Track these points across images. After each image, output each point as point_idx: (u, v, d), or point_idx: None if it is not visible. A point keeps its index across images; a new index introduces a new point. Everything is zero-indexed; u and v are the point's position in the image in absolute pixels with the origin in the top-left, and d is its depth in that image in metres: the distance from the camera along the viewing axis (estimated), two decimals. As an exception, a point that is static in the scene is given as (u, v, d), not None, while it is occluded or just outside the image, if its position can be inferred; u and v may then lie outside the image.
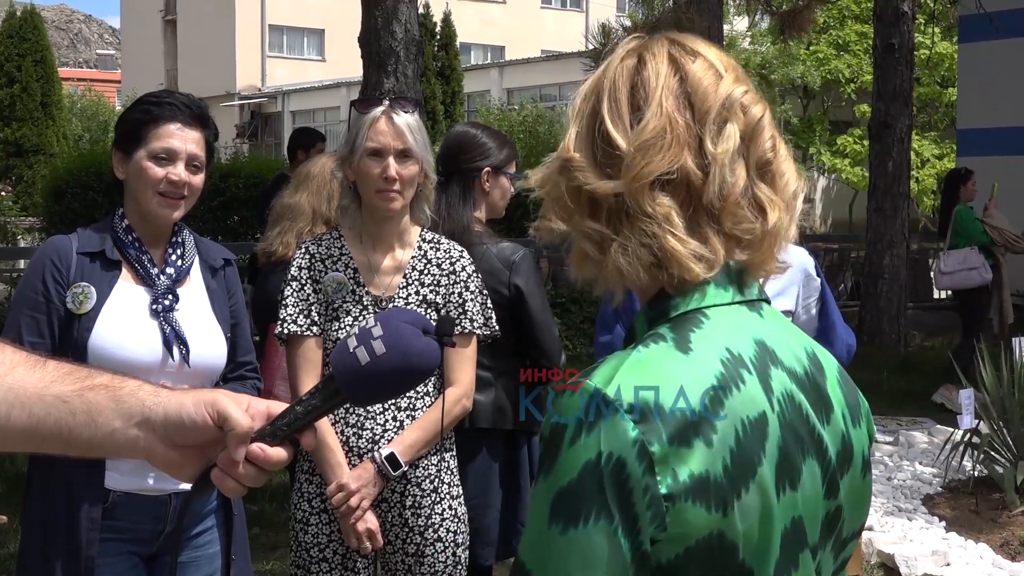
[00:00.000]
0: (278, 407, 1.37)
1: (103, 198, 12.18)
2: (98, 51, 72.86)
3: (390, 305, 3.18)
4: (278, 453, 1.35)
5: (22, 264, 11.85)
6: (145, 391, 1.39)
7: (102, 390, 1.39)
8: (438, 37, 31.71)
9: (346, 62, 39.54)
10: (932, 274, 10.29)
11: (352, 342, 1.37)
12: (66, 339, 2.80)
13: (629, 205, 1.33)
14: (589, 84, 1.42)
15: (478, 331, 3.26)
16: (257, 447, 1.34)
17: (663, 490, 1.22)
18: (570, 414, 1.25)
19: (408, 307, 3.18)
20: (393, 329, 1.37)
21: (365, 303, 3.18)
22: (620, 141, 1.35)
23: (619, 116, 1.37)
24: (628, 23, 12.85)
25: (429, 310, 3.20)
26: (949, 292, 15.75)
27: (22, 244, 17.04)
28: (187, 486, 2.97)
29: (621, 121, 1.36)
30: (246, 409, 1.35)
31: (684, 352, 1.30)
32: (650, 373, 1.27)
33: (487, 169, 3.76)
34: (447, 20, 32.24)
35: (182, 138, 2.89)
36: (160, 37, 47.50)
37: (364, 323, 1.37)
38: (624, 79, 1.39)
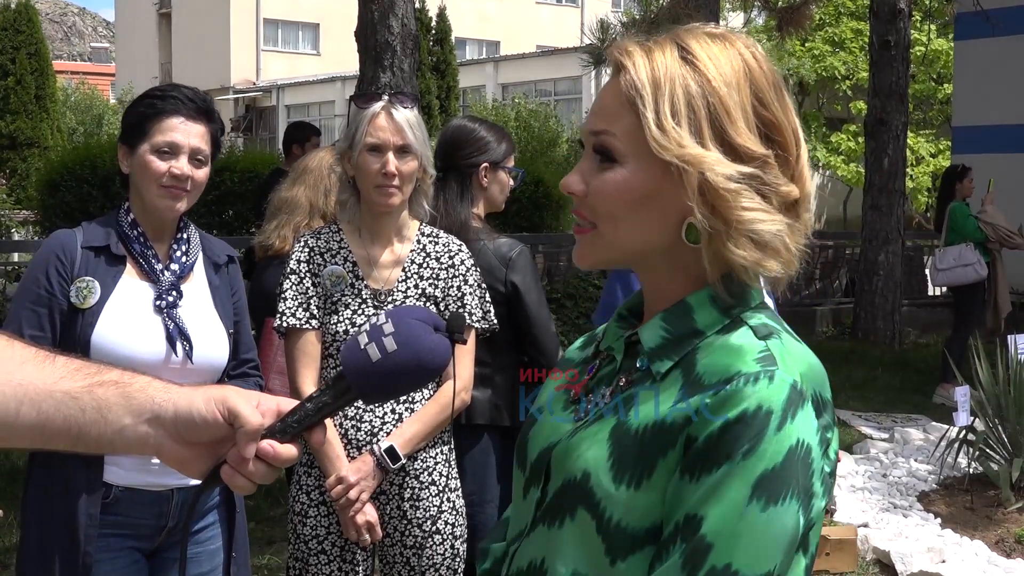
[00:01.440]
0: (288, 404, 1.37)
1: (98, 191, 12.13)
2: (92, 44, 72.74)
3: (389, 299, 3.18)
4: (288, 450, 1.35)
5: (16, 257, 11.81)
6: (155, 387, 1.38)
7: (112, 386, 1.38)
8: (433, 32, 31.62)
9: (341, 56, 39.49)
10: (927, 271, 10.27)
11: (363, 339, 1.37)
12: (68, 334, 2.79)
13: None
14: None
15: (477, 324, 3.26)
16: (267, 444, 1.34)
17: (827, 469, 1.39)
18: (773, 403, 1.33)
19: (407, 300, 3.18)
20: (404, 326, 1.37)
21: (364, 297, 3.18)
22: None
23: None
24: (624, 19, 12.80)
25: (428, 304, 3.20)
26: (944, 289, 15.82)
27: (16, 237, 16.99)
28: (190, 481, 2.97)
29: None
30: (256, 406, 1.35)
31: (799, 343, 1.44)
32: (802, 365, 1.39)
33: (485, 165, 3.75)
34: (442, 15, 32.16)
35: (185, 132, 2.89)
36: (154, 30, 47.34)
37: (375, 320, 1.36)
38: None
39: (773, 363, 1.36)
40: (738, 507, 1.30)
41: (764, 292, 1.51)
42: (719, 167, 1.38)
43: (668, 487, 1.35)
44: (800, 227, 1.45)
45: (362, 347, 1.36)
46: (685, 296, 1.46)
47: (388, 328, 1.36)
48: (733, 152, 1.40)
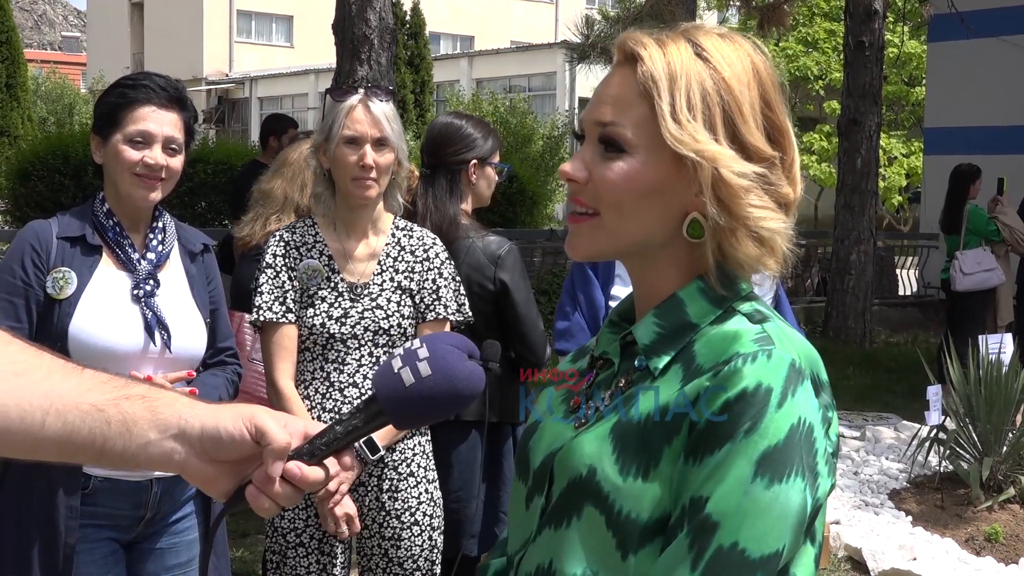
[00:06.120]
0: (316, 427, 1.34)
1: (70, 181, 12.05)
2: (63, 33, 72.15)
3: (365, 292, 3.17)
4: (315, 473, 1.31)
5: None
6: (182, 403, 1.34)
7: (138, 400, 1.34)
8: (408, 26, 31.52)
9: (314, 49, 39.39)
10: (951, 274, 9.75)
11: (396, 362, 1.33)
12: (46, 325, 2.77)
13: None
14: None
15: (452, 317, 3.27)
16: (294, 465, 1.30)
17: (830, 449, 1.38)
18: (772, 380, 1.33)
19: (383, 293, 3.18)
20: (439, 351, 1.33)
21: (340, 290, 3.18)
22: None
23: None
24: (599, 16, 12.79)
25: (403, 296, 3.19)
26: (916, 288, 15.88)
27: (-15, 227, 16.83)
28: (170, 472, 2.93)
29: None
30: (284, 426, 1.32)
31: (789, 328, 1.44)
32: (797, 346, 1.40)
33: (473, 161, 3.75)
34: (416, 9, 32.08)
35: (158, 121, 2.87)
36: (126, 20, 47.01)
37: (409, 344, 1.34)
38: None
39: (770, 343, 1.37)
40: (742, 485, 1.29)
41: (774, 283, 1.52)
42: (736, 165, 1.40)
43: (673, 473, 1.35)
44: (789, 228, 1.47)
45: (395, 371, 1.32)
46: (675, 291, 1.47)
47: (423, 353, 1.33)
48: (744, 151, 1.42)
